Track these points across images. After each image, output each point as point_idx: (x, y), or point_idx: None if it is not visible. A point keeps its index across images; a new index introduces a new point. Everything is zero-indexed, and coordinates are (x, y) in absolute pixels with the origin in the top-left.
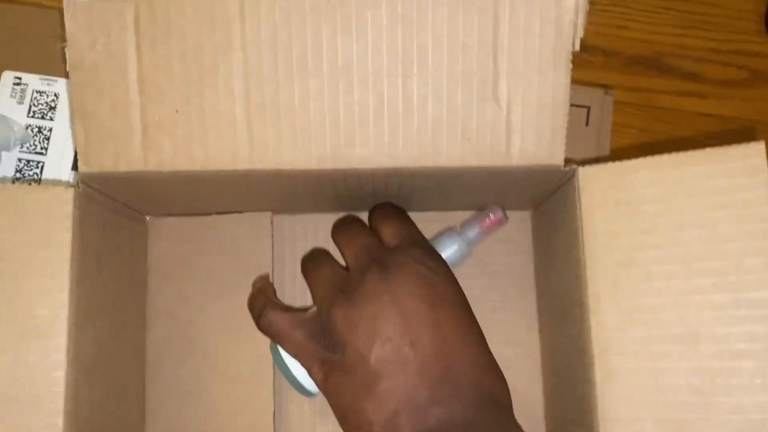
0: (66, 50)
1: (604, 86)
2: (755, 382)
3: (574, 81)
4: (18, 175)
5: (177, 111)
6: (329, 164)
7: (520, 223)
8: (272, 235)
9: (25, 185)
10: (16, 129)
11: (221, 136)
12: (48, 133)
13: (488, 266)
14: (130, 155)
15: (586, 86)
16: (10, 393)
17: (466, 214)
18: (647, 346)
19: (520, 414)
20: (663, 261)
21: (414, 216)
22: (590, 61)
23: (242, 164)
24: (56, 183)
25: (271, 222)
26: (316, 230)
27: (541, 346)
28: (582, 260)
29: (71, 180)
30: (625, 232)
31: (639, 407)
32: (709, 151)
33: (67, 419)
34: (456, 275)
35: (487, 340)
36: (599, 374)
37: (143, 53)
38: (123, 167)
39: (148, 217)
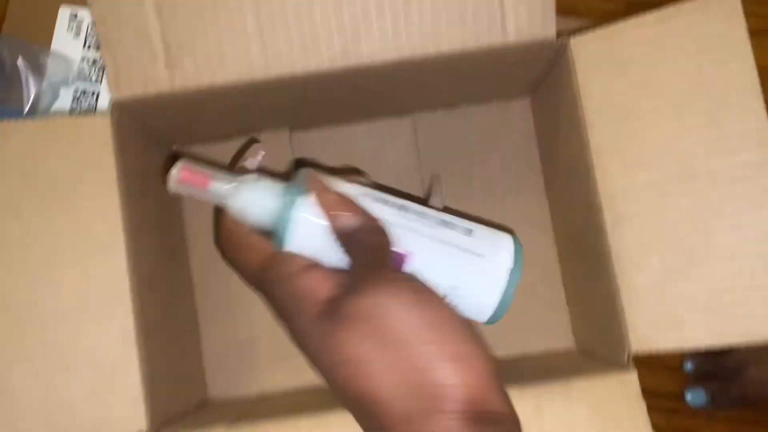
0: None
1: None
2: (749, 202)
3: None
4: (75, 104)
5: (194, 30)
6: (339, 63)
7: (521, 111)
8: (292, 151)
9: (68, 116)
10: (74, 67)
11: (237, 49)
12: (102, 63)
13: (495, 154)
14: (157, 77)
15: None
16: (82, 303)
17: (472, 108)
18: (649, 188)
19: (539, 281)
20: (657, 110)
21: (423, 116)
22: None
23: (259, 73)
24: (94, 112)
25: (290, 138)
26: (332, 144)
27: (552, 218)
28: (582, 122)
29: None
30: (619, 89)
31: (648, 244)
32: (689, 4)
33: (137, 321)
34: (463, 161)
35: (502, 219)
36: (608, 221)
37: None
38: (151, 89)
39: (175, 147)
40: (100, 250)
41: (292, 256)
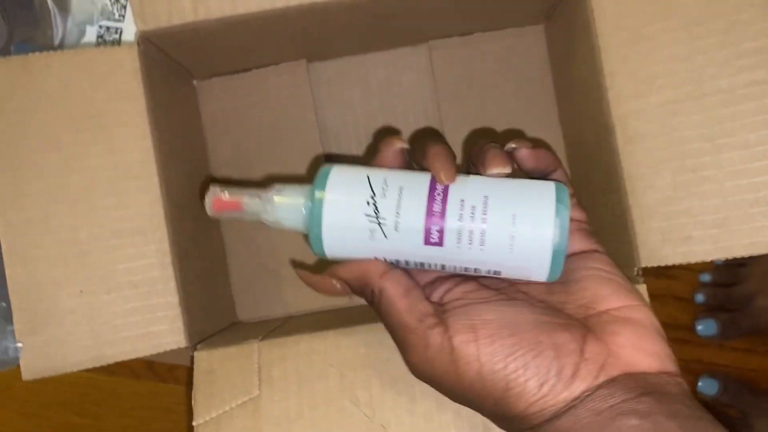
0: None
1: None
2: (757, 119)
3: None
4: (100, 40)
5: None
6: None
7: (535, 37)
8: (310, 81)
9: (96, 48)
10: (99, 5)
11: None
12: (125, 2)
13: (509, 80)
14: (181, 8)
15: None
16: (120, 228)
17: (487, 34)
18: (660, 107)
19: None
20: (668, 30)
21: (438, 43)
22: None
23: (279, 2)
24: (121, 44)
25: (307, 69)
26: (348, 73)
27: (564, 141)
28: (596, 45)
29: None
30: (632, 12)
31: (658, 162)
32: None
33: (172, 245)
34: (477, 87)
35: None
36: (620, 140)
37: None
38: (176, 20)
39: (195, 81)
40: (134, 178)
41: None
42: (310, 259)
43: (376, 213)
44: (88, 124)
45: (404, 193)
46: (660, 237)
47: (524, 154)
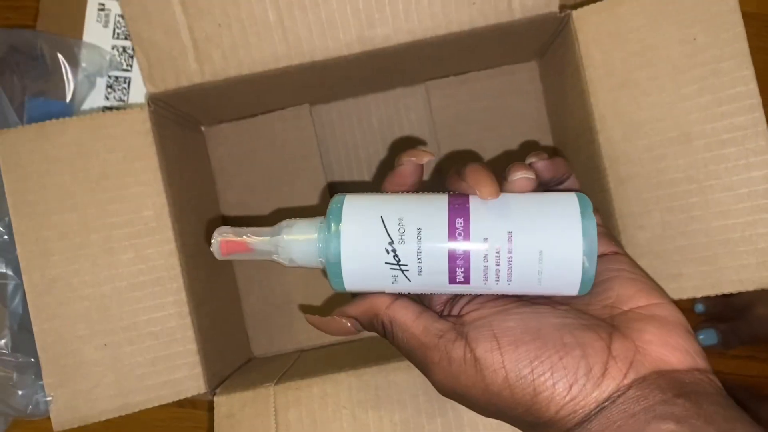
0: None
1: None
2: (740, 163)
3: None
4: (109, 90)
5: (219, 24)
6: (357, 48)
7: (529, 74)
8: (313, 124)
9: (108, 112)
10: (108, 57)
11: (260, 39)
12: (131, 52)
13: (505, 117)
14: (188, 70)
15: None
16: (139, 281)
17: (482, 73)
18: (649, 151)
19: None
20: (654, 77)
21: (434, 84)
22: None
23: (282, 62)
24: (132, 106)
25: (310, 112)
26: (349, 114)
27: None
28: (586, 90)
29: None
30: (618, 58)
31: (647, 202)
32: None
33: (188, 294)
34: (475, 125)
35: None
36: (612, 182)
37: None
38: (184, 82)
39: (203, 128)
40: (150, 233)
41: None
42: (319, 295)
43: (397, 261)
44: (104, 184)
45: (423, 236)
46: (651, 274)
47: (543, 165)
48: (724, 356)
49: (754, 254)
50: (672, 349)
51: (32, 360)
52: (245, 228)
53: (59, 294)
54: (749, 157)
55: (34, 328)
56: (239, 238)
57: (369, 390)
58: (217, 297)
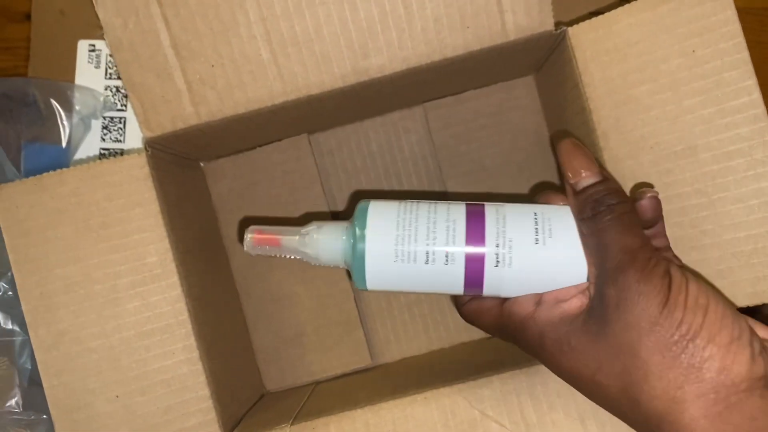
0: (104, 35)
1: None
2: (748, 174)
3: None
4: (105, 131)
5: (213, 65)
6: (352, 79)
7: (526, 88)
8: (313, 153)
9: (105, 160)
10: (101, 99)
11: (255, 77)
12: (125, 91)
13: (505, 133)
14: (183, 113)
15: None
16: (147, 329)
17: (479, 91)
18: (655, 167)
19: None
20: (655, 92)
21: (431, 105)
22: None
23: (278, 98)
24: (130, 152)
25: (309, 141)
26: (348, 139)
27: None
28: (587, 108)
29: None
30: (618, 75)
31: None
32: None
33: (198, 339)
34: (475, 143)
35: (517, 198)
36: None
37: (170, 22)
38: (180, 125)
39: (202, 164)
40: (155, 279)
41: (514, 303)
42: (329, 327)
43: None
44: (106, 233)
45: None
46: None
47: (651, 203)
48: None
49: None
50: None
51: (44, 417)
52: (276, 227)
53: (67, 348)
54: (757, 167)
55: (44, 384)
56: (270, 234)
57: (386, 425)
58: (227, 336)
